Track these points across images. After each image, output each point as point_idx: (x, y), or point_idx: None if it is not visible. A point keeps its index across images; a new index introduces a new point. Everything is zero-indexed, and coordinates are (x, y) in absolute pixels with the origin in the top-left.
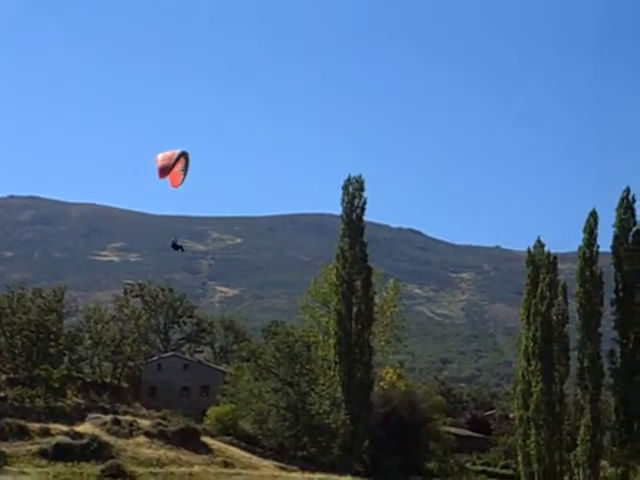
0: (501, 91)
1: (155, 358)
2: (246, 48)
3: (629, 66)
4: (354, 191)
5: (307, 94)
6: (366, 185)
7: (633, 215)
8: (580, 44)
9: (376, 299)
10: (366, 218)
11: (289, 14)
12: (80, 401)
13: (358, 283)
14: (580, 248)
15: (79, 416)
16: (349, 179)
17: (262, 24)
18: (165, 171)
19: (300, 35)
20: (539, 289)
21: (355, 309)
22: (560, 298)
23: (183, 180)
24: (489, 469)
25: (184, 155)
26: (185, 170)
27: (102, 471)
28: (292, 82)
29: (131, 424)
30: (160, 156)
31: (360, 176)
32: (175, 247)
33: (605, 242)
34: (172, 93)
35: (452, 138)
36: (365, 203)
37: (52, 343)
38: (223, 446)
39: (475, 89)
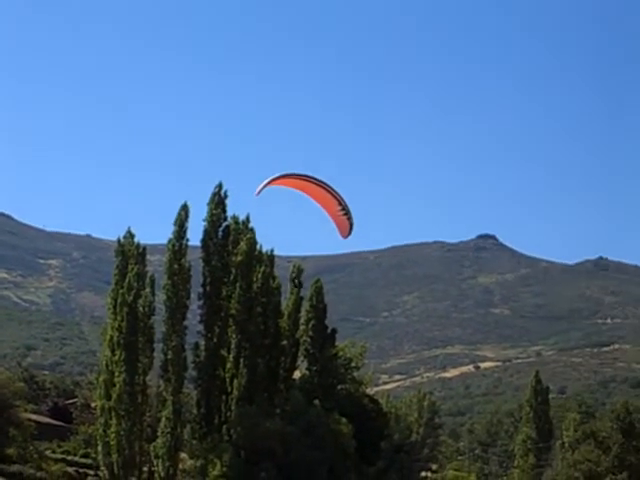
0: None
1: None
2: None
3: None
4: None
5: None
6: None
7: (224, 211)
8: None
9: None
10: None
11: None
12: None
13: None
14: (170, 240)
15: None
16: None
17: None
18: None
19: None
20: (127, 279)
21: None
22: (148, 289)
23: (350, 229)
24: (69, 457)
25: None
26: (345, 213)
27: None
28: None
29: None
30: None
31: None
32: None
33: (197, 236)
34: None
35: (98, 122)
36: None
37: None
38: None
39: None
